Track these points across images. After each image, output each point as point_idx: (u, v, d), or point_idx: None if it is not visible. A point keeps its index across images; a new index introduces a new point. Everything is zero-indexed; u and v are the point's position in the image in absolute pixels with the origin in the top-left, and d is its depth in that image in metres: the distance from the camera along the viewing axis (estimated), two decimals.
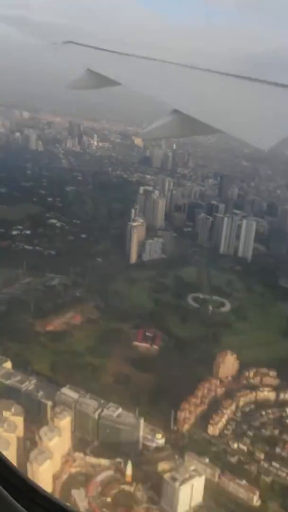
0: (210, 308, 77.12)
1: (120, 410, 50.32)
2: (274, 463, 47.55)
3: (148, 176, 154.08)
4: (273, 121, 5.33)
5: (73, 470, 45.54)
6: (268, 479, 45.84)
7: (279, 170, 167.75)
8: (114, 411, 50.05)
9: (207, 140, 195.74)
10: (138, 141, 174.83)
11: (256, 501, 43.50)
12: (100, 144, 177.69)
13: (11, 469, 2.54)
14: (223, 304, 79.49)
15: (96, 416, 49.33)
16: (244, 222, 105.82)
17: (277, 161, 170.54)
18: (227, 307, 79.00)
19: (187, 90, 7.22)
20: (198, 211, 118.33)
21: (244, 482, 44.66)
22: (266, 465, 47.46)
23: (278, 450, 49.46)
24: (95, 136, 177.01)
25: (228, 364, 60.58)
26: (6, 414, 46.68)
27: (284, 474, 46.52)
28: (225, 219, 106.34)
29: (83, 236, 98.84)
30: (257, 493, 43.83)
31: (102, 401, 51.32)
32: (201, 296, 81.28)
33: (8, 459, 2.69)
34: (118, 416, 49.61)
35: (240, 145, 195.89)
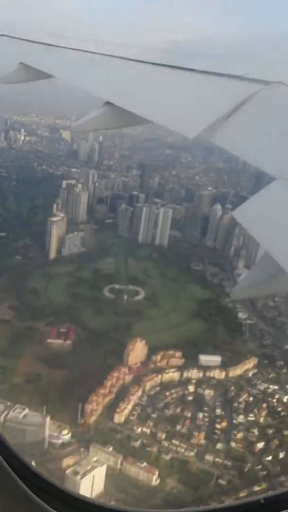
0: (125, 297, 79.19)
1: (26, 411, 51.29)
2: (174, 441, 50.53)
3: (74, 170, 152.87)
4: (198, 110, 5.37)
5: None
6: (167, 457, 48.77)
7: (199, 156, 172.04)
8: (20, 413, 50.97)
9: (134, 131, 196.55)
10: (66, 134, 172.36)
11: (155, 480, 46.22)
12: (28, 138, 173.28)
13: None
14: (137, 293, 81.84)
15: (1, 419, 50.09)
16: (162, 210, 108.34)
17: (197, 148, 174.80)
18: (141, 295, 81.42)
19: (117, 81, 7.03)
20: (119, 202, 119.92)
21: (144, 464, 47.23)
22: (166, 444, 50.34)
23: (178, 427, 52.50)
24: (22, 130, 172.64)
25: (138, 351, 62.94)
26: None
27: (182, 450, 49.62)
28: (144, 208, 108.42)
29: (2, 234, 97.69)
30: (156, 472, 46.56)
31: (8, 404, 52.06)
32: (117, 286, 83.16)
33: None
34: (24, 417, 50.59)
35: (165, 134, 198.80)
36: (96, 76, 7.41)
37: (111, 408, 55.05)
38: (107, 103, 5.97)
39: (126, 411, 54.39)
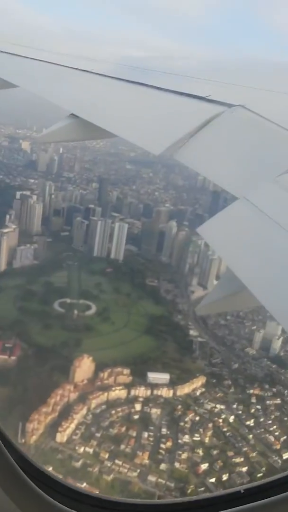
0: (75, 312, 77.26)
1: None
2: (117, 461, 48.88)
3: (32, 181, 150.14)
4: (163, 127, 5.38)
5: None
6: (109, 478, 47.02)
7: (160, 173, 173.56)
8: None
9: (96, 144, 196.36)
10: (25, 144, 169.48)
11: None
12: None
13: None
14: (89, 308, 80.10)
15: None
16: (117, 224, 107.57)
17: (158, 165, 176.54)
18: (93, 310, 79.74)
19: (82, 94, 7.04)
20: (76, 215, 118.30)
21: (84, 484, 45.22)
22: (109, 464, 48.62)
23: (122, 446, 50.93)
24: None
25: (84, 367, 61.10)
26: None
27: (125, 470, 48.03)
28: (99, 222, 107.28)
29: None
30: (96, 493, 44.55)
31: None
32: (69, 301, 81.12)
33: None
34: None
35: (126, 149, 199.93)
36: (60, 88, 7.45)
37: (53, 427, 52.78)
38: (72, 115, 5.99)
39: (69, 430, 52.31)
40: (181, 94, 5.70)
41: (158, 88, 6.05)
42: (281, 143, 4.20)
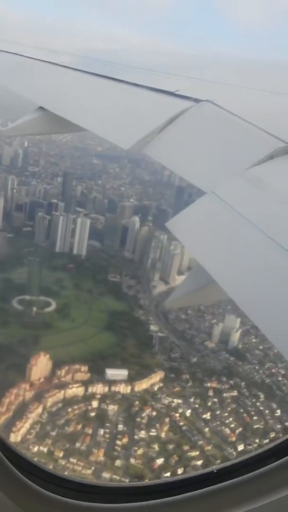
0: (34, 309, 75.75)
1: None
2: (71, 459, 48.23)
3: None
4: (132, 122, 5.43)
5: None
6: None
7: (127, 168, 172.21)
8: None
9: (63, 138, 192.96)
10: None
11: None
12: None
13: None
14: (49, 304, 78.69)
15: None
16: (79, 220, 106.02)
17: (125, 160, 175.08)
18: (53, 306, 78.40)
19: (51, 87, 6.91)
20: (38, 210, 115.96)
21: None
22: (63, 462, 47.90)
23: (78, 444, 50.29)
24: None
25: (41, 365, 59.94)
26: None
27: (79, 468, 47.45)
28: (61, 217, 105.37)
29: None
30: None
31: None
32: (28, 297, 79.43)
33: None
34: None
35: (93, 144, 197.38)
36: (28, 80, 7.34)
37: (7, 427, 51.54)
38: (40, 108, 5.97)
39: (24, 430, 51.24)
40: (150, 88, 5.68)
41: (126, 83, 6.02)
42: (248, 138, 4.18)
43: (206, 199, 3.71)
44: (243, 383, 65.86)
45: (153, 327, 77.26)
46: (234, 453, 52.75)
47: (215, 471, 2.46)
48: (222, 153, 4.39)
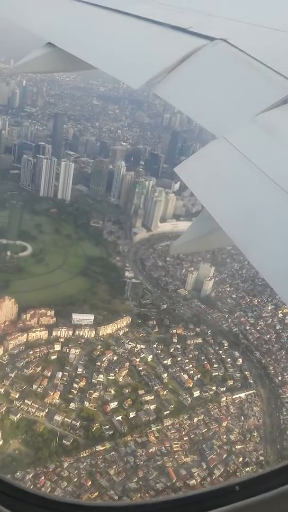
0: (8, 253, 73.66)
1: None
2: (26, 401, 47.79)
3: None
4: (143, 60, 5.09)
5: None
6: (15, 417, 45.98)
7: (127, 109, 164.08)
8: None
9: (66, 77, 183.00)
10: None
11: None
12: None
13: None
14: (24, 249, 76.53)
15: None
16: (63, 164, 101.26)
17: (126, 101, 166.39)
18: (29, 251, 76.30)
19: (60, 22, 6.42)
20: (26, 153, 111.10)
21: None
22: (18, 403, 47.49)
23: (35, 386, 49.78)
24: None
25: (6, 309, 58.62)
26: None
27: (33, 410, 47.07)
28: (45, 161, 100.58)
29: None
30: None
31: None
32: (5, 241, 77.13)
33: None
34: None
35: (97, 84, 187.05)
36: (35, 15, 6.88)
37: None
38: (49, 44, 5.60)
39: None
40: (162, 24, 5.32)
41: (138, 17, 5.63)
42: (261, 80, 3.97)
43: (216, 144, 3.48)
44: (209, 331, 64.63)
45: (128, 274, 75.25)
46: (189, 398, 52.21)
47: (237, 488, 2.12)
48: (234, 96, 4.13)
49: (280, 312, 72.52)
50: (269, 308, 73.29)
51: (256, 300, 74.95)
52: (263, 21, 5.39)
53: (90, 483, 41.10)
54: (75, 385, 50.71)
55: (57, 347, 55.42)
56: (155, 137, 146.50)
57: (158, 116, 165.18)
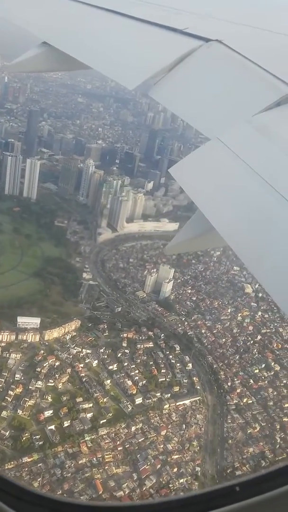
0: None
1: None
2: None
3: None
4: (138, 61, 5.12)
5: None
6: None
7: (112, 107, 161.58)
8: None
9: (53, 74, 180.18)
10: None
11: None
12: None
13: None
14: None
15: None
16: (28, 161, 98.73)
17: (112, 99, 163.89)
18: None
19: (56, 21, 6.44)
20: None
21: None
22: None
23: None
24: None
25: None
26: None
27: None
28: (9, 158, 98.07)
29: None
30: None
31: None
32: None
33: None
34: None
35: (85, 81, 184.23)
36: (31, 14, 6.85)
37: None
38: (44, 43, 5.58)
39: None
40: (158, 25, 5.29)
41: (134, 18, 5.57)
42: (256, 82, 4.01)
43: (210, 145, 3.51)
44: (162, 335, 62.84)
45: (86, 275, 73.22)
46: (130, 406, 50.40)
47: (237, 488, 2.09)
48: (229, 97, 4.17)
49: (239, 315, 70.95)
50: (229, 311, 71.63)
51: (216, 303, 73.28)
52: (258, 23, 5.40)
53: None
54: (11, 392, 48.75)
55: None
56: (137, 136, 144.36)
57: (142, 115, 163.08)
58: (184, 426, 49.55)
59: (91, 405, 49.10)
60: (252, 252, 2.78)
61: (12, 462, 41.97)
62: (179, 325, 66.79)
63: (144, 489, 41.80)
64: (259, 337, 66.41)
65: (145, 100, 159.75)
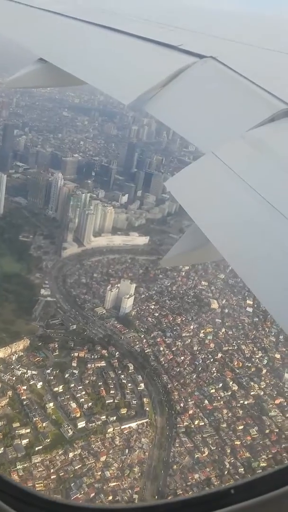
0: None
1: None
2: None
3: None
4: (134, 76, 5.26)
5: None
6: None
7: (97, 121, 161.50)
8: None
9: (42, 89, 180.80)
10: None
11: None
12: None
13: None
14: None
15: None
16: None
17: (96, 113, 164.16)
18: None
19: (51, 38, 6.60)
20: None
21: None
22: None
23: None
24: None
25: None
26: None
27: None
28: None
29: None
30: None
31: None
32: None
33: None
34: None
35: (73, 96, 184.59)
36: (29, 30, 6.97)
37: None
38: (41, 59, 5.76)
39: None
40: (153, 42, 5.44)
41: (129, 35, 5.73)
42: (250, 98, 4.12)
43: (205, 159, 3.61)
44: (117, 353, 61.19)
45: (44, 291, 71.79)
46: (71, 430, 48.54)
47: (232, 491, 2.12)
48: (224, 113, 4.28)
49: (202, 331, 69.33)
50: (192, 327, 70.02)
51: (180, 319, 71.66)
52: (251, 40, 5.61)
53: None
54: None
55: None
56: (119, 149, 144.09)
57: (125, 128, 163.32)
58: (127, 451, 47.63)
59: (28, 430, 47.18)
60: (247, 265, 2.85)
61: None
62: (137, 342, 65.14)
63: None
64: (220, 355, 64.69)
65: (132, 114, 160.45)
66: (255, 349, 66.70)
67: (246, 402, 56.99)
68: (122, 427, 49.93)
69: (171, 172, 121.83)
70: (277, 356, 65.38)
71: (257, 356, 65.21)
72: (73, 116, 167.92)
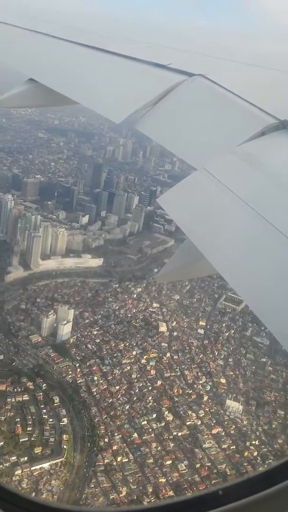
0: None
1: None
2: None
3: None
4: (125, 95, 5.37)
5: None
6: None
7: (72, 142, 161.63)
8: None
9: (22, 111, 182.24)
10: None
11: None
12: None
13: None
14: None
15: None
16: None
17: (72, 134, 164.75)
18: None
19: (40, 58, 6.80)
20: None
21: None
22: None
23: None
24: None
25: None
26: None
27: None
28: None
29: None
30: None
31: None
32: None
33: None
34: None
35: (53, 118, 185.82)
36: (18, 51, 7.05)
37: None
38: (30, 80, 5.95)
39: None
40: (142, 61, 5.61)
41: (119, 55, 5.90)
42: (240, 114, 4.24)
43: (197, 175, 3.71)
44: (44, 385, 58.47)
45: None
46: None
47: (220, 492, 2.21)
48: (214, 129, 4.38)
49: (145, 357, 66.70)
50: (134, 353, 67.40)
51: (122, 344, 69.11)
52: (239, 57, 6.01)
53: None
54: None
55: None
56: (90, 171, 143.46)
57: (101, 149, 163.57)
58: (33, 494, 44.52)
59: None
60: (241, 278, 2.87)
61: None
62: (70, 372, 62.51)
63: None
64: (159, 382, 61.93)
65: (112, 134, 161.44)
66: (199, 374, 63.97)
67: (179, 434, 54.00)
68: (32, 468, 46.88)
69: (139, 192, 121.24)
70: (222, 381, 62.61)
71: (200, 382, 62.45)
72: (49, 138, 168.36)
